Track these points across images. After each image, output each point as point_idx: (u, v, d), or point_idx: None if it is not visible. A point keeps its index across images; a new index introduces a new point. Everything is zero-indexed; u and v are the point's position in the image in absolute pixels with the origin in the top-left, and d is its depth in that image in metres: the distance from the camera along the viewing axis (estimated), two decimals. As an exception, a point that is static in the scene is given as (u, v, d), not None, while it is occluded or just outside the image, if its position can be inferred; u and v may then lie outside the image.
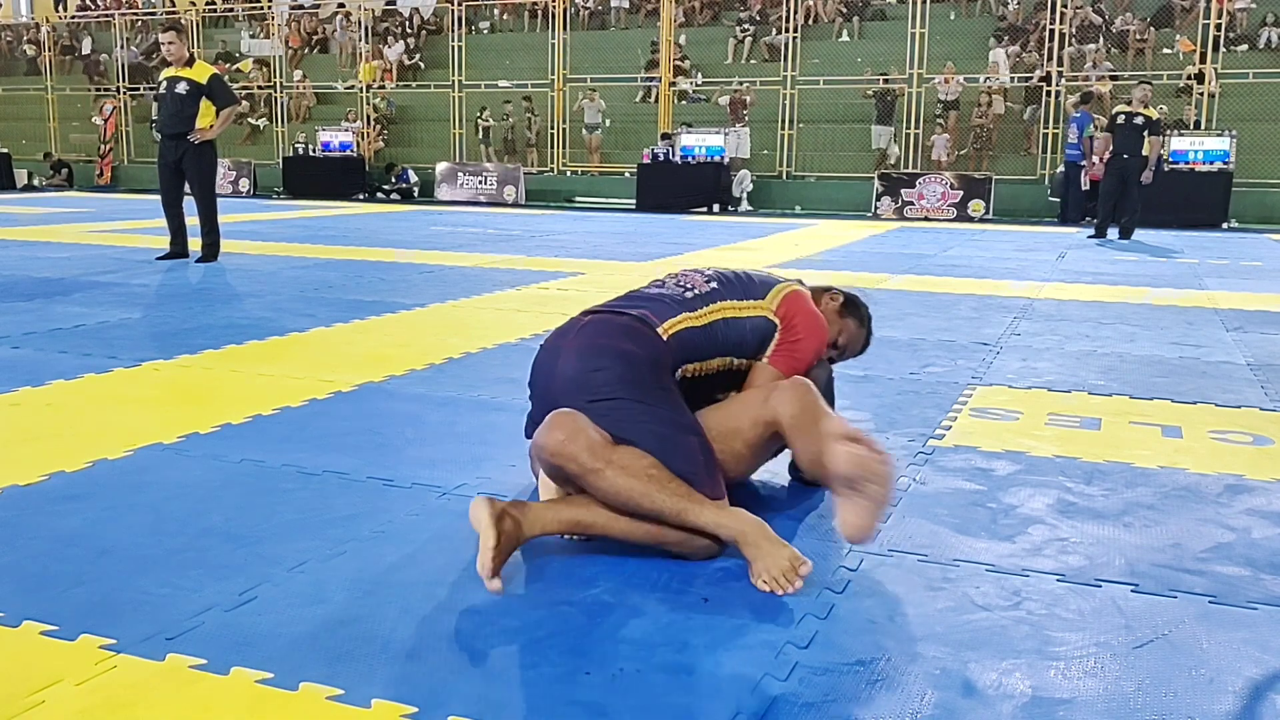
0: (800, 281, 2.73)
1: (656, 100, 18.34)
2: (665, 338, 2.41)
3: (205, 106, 7.59)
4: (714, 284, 2.59)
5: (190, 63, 7.70)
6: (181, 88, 7.57)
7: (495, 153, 18.86)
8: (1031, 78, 16.31)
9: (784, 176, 17.13)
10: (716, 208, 15.90)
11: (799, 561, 2.06)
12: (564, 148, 18.42)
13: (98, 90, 22.14)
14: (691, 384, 2.48)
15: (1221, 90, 15.10)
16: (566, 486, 2.23)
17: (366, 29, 20.34)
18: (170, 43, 7.72)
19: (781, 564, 2.06)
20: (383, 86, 20.11)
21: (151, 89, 19.37)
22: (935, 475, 2.82)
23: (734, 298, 2.57)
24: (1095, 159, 12.34)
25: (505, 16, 21.23)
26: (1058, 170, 14.94)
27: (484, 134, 18.94)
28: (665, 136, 16.62)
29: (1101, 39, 16.64)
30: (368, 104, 19.71)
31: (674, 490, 2.12)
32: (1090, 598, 2.05)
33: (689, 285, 2.59)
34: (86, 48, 23.25)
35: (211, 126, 7.64)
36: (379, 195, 18.14)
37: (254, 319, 5.17)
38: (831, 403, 2.66)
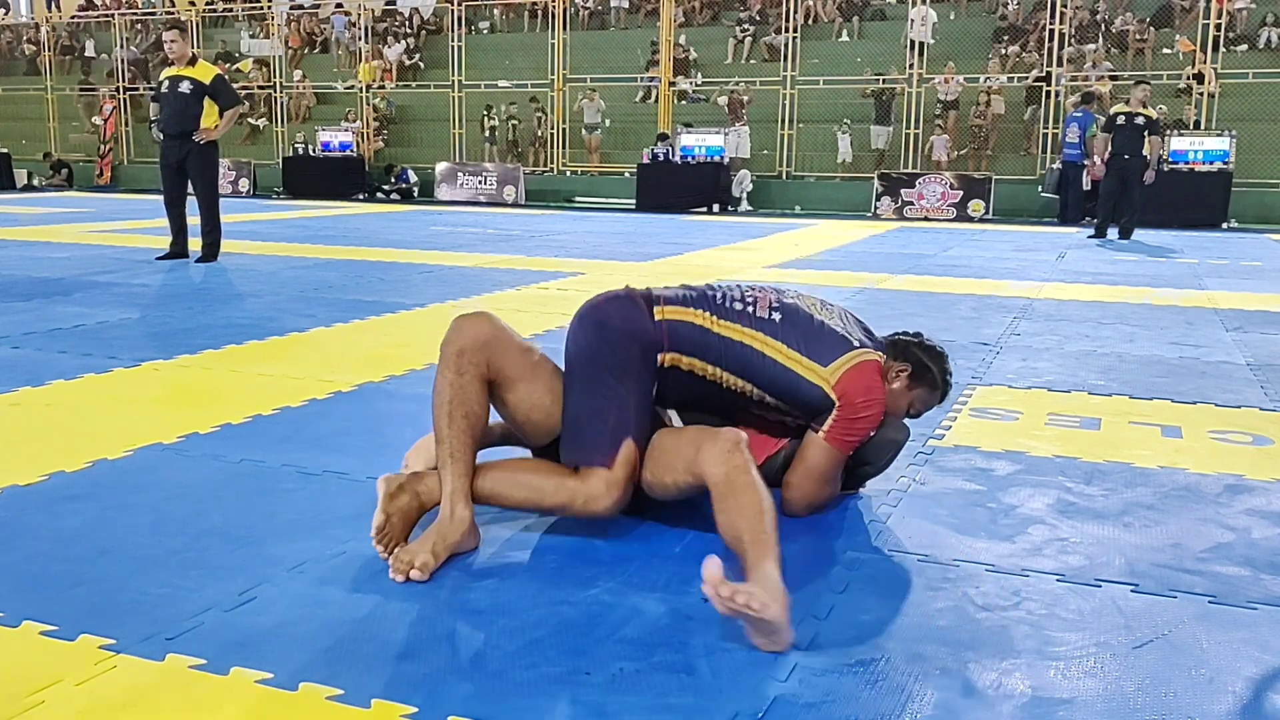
0: (876, 346, 2.51)
1: (656, 100, 18.34)
2: (657, 319, 2.36)
3: (209, 106, 7.59)
4: (778, 314, 2.41)
5: (193, 62, 7.70)
6: (185, 87, 7.56)
7: (499, 152, 18.85)
8: (1029, 78, 16.31)
9: (784, 176, 17.13)
10: (716, 208, 15.90)
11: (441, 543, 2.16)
12: (564, 148, 18.42)
13: (83, 89, 22.12)
14: (690, 380, 2.39)
15: (1221, 90, 15.10)
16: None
17: (366, 29, 20.34)
18: (173, 41, 7.70)
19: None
20: (382, 86, 20.10)
21: (151, 89, 19.39)
22: (935, 475, 2.82)
23: (793, 346, 2.38)
24: (1096, 159, 12.34)
25: (505, 16, 21.24)
26: (1052, 168, 14.94)
27: (490, 133, 18.92)
28: (663, 137, 16.61)
29: (1101, 39, 16.64)
30: (367, 104, 19.71)
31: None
32: (1090, 598, 2.05)
33: (749, 300, 2.44)
34: (90, 48, 23.25)
35: (216, 127, 7.64)
36: (379, 195, 18.14)
37: (254, 319, 5.17)
38: (890, 458, 2.61)
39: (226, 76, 7.65)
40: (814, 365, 2.38)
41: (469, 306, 5.69)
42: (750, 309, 2.41)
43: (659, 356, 2.35)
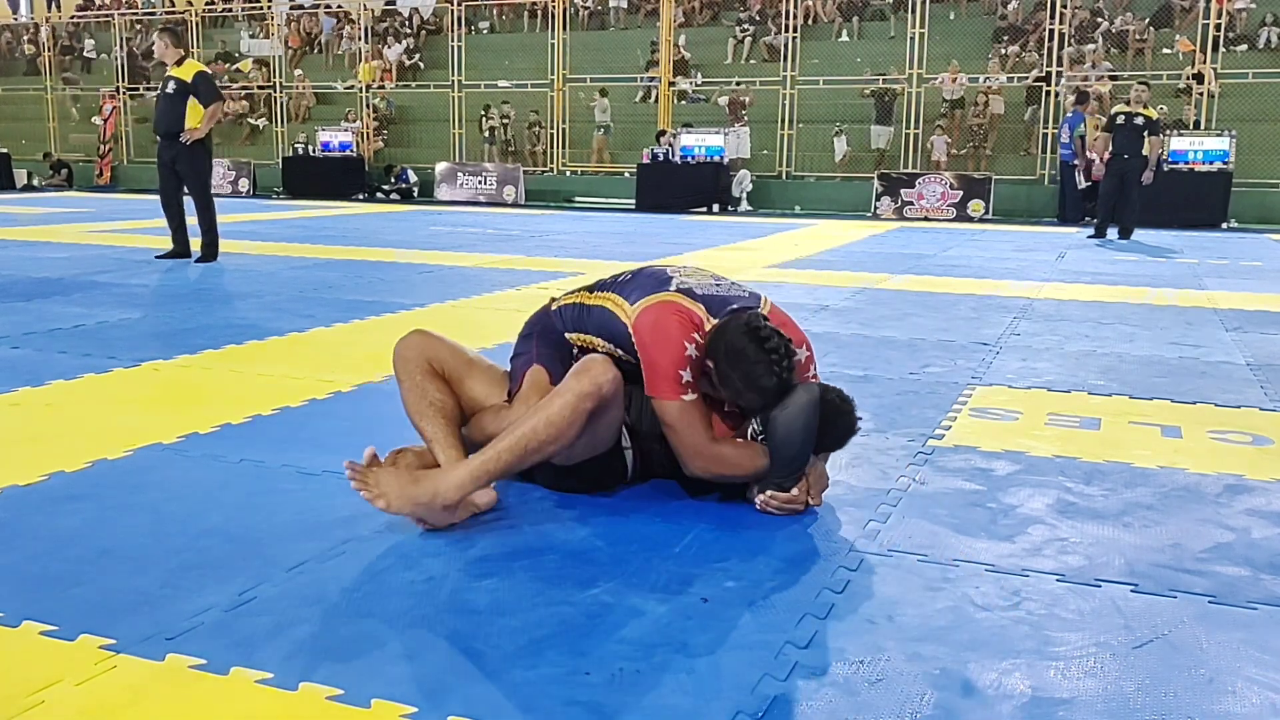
0: (685, 293, 2.49)
1: (656, 100, 18.34)
2: (554, 307, 2.72)
3: (193, 105, 7.64)
4: (626, 275, 2.62)
5: (181, 62, 7.76)
6: (171, 87, 7.68)
7: (498, 152, 18.83)
8: (1029, 78, 16.31)
9: (783, 176, 17.13)
10: (716, 208, 15.90)
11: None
12: (564, 148, 18.42)
13: (83, 90, 22.13)
14: (583, 351, 2.60)
15: (1221, 90, 15.10)
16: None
17: (366, 29, 20.34)
18: (158, 44, 7.88)
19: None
20: (382, 86, 20.11)
21: (151, 89, 19.41)
22: (935, 475, 2.82)
23: (621, 294, 2.54)
24: (1095, 159, 12.35)
25: (505, 16, 21.23)
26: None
27: (490, 133, 18.91)
28: (661, 134, 16.60)
29: (1101, 39, 16.64)
30: (367, 104, 19.71)
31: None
32: (1090, 598, 2.05)
33: (629, 273, 2.64)
34: (89, 49, 23.25)
35: (199, 125, 7.69)
36: (378, 195, 18.14)
37: (254, 319, 5.17)
38: (787, 460, 2.44)
39: (219, 75, 7.65)
40: (624, 303, 2.52)
41: (469, 306, 5.69)
42: (617, 278, 2.63)
43: (565, 335, 2.66)
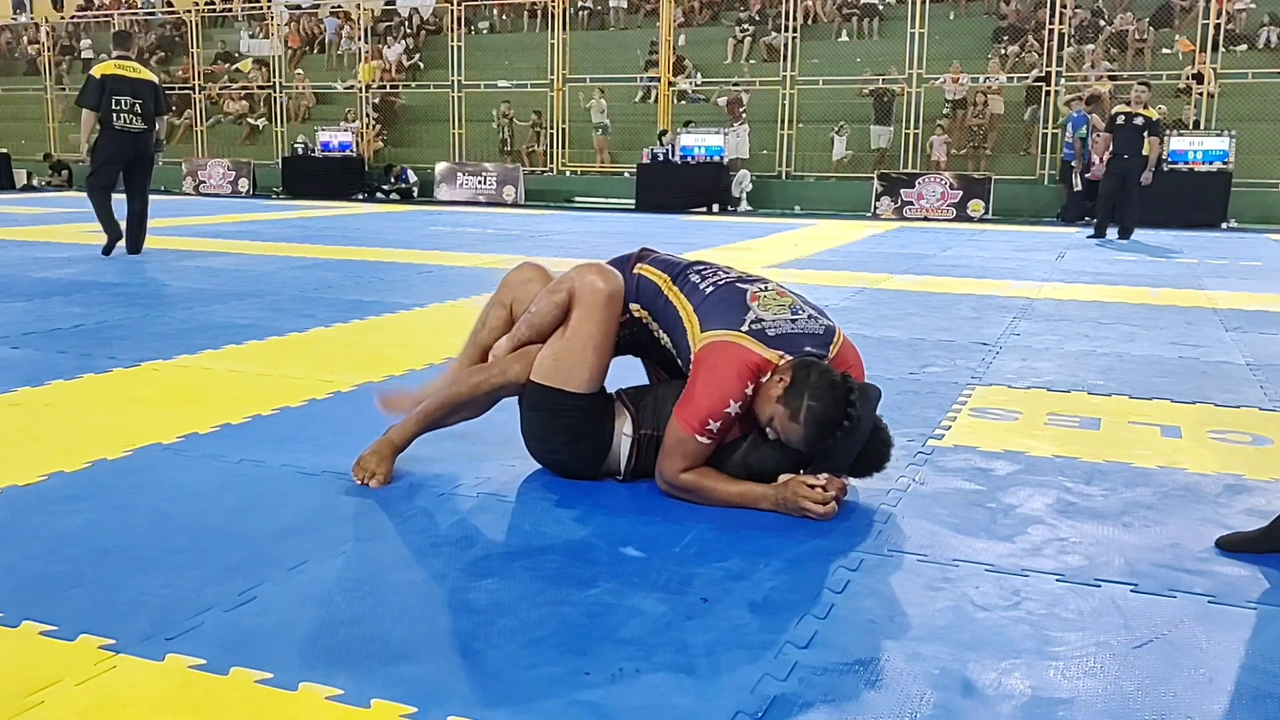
0: (791, 352, 2.49)
1: (656, 100, 18.34)
2: (634, 272, 2.69)
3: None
4: (713, 288, 2.60)
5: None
6: None
7: (499, 152, 18.81)
8: (1029, 78, 16.31)
9: (783, 176, 17.13)
10: (716, 208, 15.90)
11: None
12: (564, 148, 18.42)
13: (69, 87, 22.12)
14: (642, 329, 2.69)
15: (1220, 90, 15.10)
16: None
17: (366, 29, 20.34)
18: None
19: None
20: (382, 86, 20.10)
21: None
22: (935, 475, 2.82)
23: (695, 305, 2.57)
24: (1095, 159, 12.36)
25: (505, 16, 21.23)
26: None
27: (503, 131, 18.85)
28: (664, 134, 16.60)
29: (1101, 39, 16.64)
30: (367, 104, 19.71)
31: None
32: (1090, 598, 2.05)
33: (706, 276, 2.65)
34: (88, 49, 23.25)
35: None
36: (378, 195, 18.14)
37: (254, 319, 5.17)
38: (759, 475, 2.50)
39: (94, 75, 8.14)
40: (695, 321, 2.56)
41: (469, 306, 5.69)
42: (699, 283, 2.62)
43: (629, 305, 2.64)
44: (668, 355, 2.70)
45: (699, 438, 2.45)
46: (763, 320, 2.52)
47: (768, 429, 2.47)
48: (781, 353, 2.48)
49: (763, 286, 2.63)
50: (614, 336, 2.60)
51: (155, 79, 8.31)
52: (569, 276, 2.60)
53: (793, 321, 2.55)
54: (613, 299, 2.55)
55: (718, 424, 2.44)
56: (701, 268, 2.70)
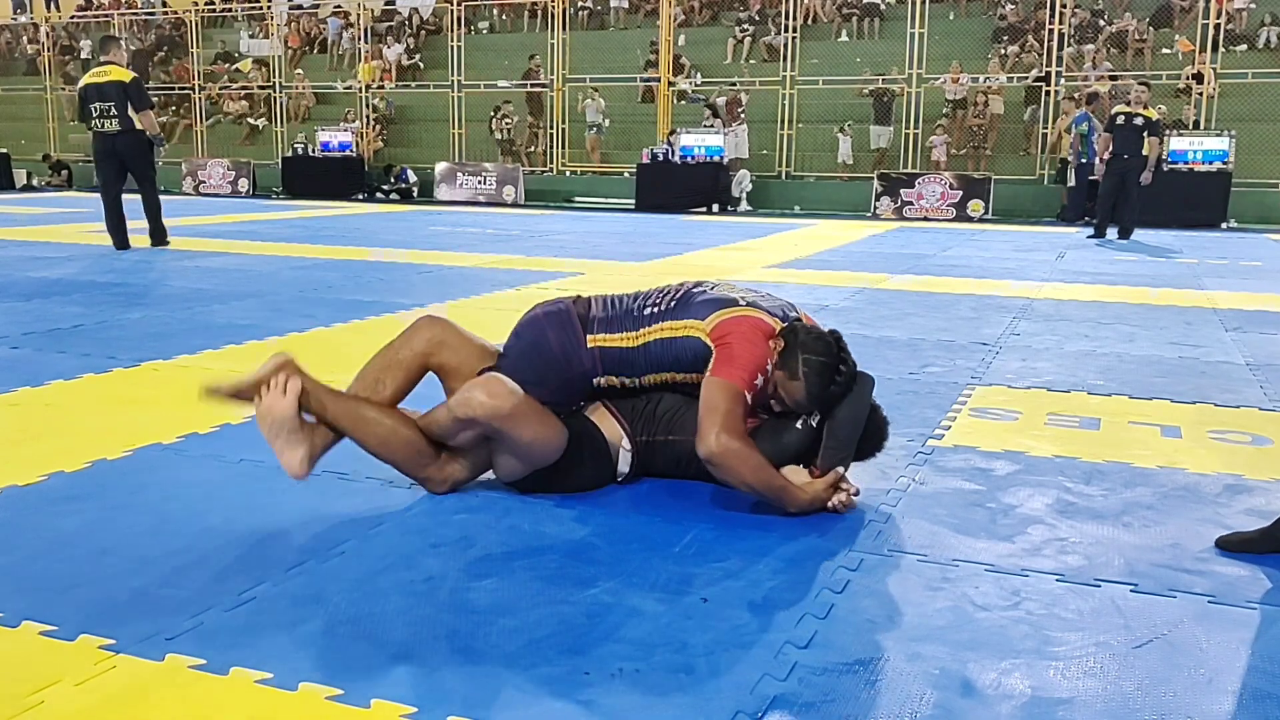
0: (754, 306, 2.59)
1: (656, 100, 18.33)
2: (589, 345, 2.59)
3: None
4: (667, 303, 2.62)
5: None
6: None
7: (499, 151, 18.81)
8: (1029, 78, 16.31)
9: (783, 176, 17.13)
10: (716, 208, 15.90)
11: None
12: (564, 148, 18.42)
13: (68, 87, 22.12)
14: (629, 392, 2.65)
15: (1220, 90, 15.10)
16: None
17: (366, 29, 20.34)
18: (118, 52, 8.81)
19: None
20: (382, 86, 20.10)
21: (150, 89, 19.36)
22: (935, 475, 2.82)
23: (672, 319, 2.58)
24: (1096, 159, 12.37)
25: (504, 16, 21.23)
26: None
27: (503, 132, 18.84)
28: (673, 133, 16.59)
29: (1101, 39, 16.64)
30: (367, 104, 19.71)
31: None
32: (1090, 598, 2.05)
33: (655, 302, 2.64)
34: (87, 49, 23.25)
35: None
36: (378, 195, 18.14)
37: (254, 319, 5.17)
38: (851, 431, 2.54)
39: (78, 88, 8.65)
40: (695, 323, 2.55)
41: (469, 306, 5.69)
42: (658, 307, 2.61)
43: (595, 380, 2.61)
44: (677, 386, 2.63)
45: (745, 393, 2.47)
46: (750, 297, 2.65)
47: (773, 401, 2.55)
48: (778, 319, 2.59)
49: (713, 283, 2.73)
50: (546, 409, 2.53)
51: (125, 78, 8.39)
52: (469, 404, 2.45)
53: (767, 297, 2.72)
54: (520, 403, 2.46)
55: (759, 381, 2.49)
56: (647, 294, 2.69)
